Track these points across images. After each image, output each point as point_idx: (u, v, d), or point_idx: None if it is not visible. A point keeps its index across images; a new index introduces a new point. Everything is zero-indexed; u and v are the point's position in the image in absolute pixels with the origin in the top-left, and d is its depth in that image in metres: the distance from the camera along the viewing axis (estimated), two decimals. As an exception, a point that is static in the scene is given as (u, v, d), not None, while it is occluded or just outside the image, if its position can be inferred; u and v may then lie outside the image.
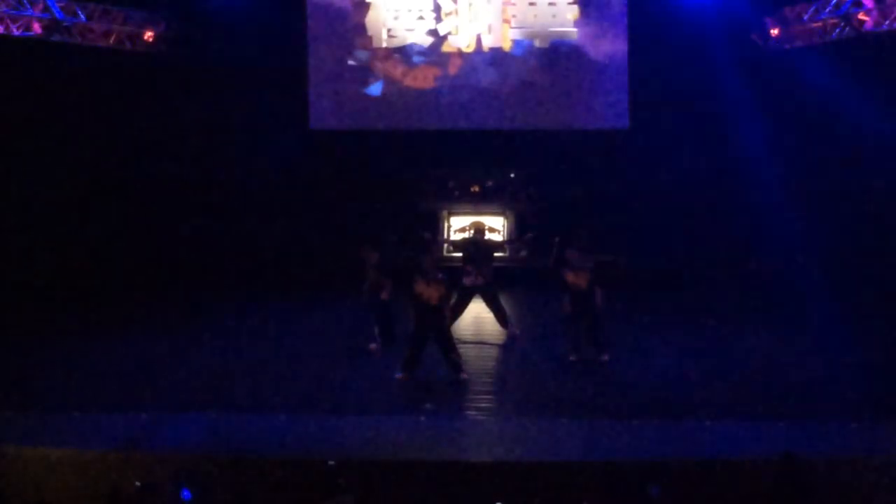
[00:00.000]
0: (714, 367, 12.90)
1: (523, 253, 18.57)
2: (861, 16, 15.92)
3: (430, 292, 12.09)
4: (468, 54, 18.80)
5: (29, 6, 15.88)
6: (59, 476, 9.69)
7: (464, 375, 12.29)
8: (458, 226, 19.07)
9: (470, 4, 18.60)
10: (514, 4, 18.65)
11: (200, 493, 8.88)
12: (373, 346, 13.55)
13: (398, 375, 12.31)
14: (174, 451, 9.95)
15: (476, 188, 19.45)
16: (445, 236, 18.99)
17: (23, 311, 15.61)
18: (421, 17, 18.72)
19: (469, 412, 11.36)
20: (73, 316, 15.77)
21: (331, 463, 9.17)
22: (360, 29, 18.81)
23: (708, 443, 10.23)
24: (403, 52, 18.89)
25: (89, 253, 17.24)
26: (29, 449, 10.00)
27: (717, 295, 17.08)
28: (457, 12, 18.59)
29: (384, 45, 18.88)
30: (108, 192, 18.00)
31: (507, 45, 18.73)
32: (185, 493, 8.65)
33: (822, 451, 9.77)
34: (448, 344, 12.35)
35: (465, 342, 14.03)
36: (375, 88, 18.96)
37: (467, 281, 14.55)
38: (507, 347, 14.23)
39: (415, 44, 18.82)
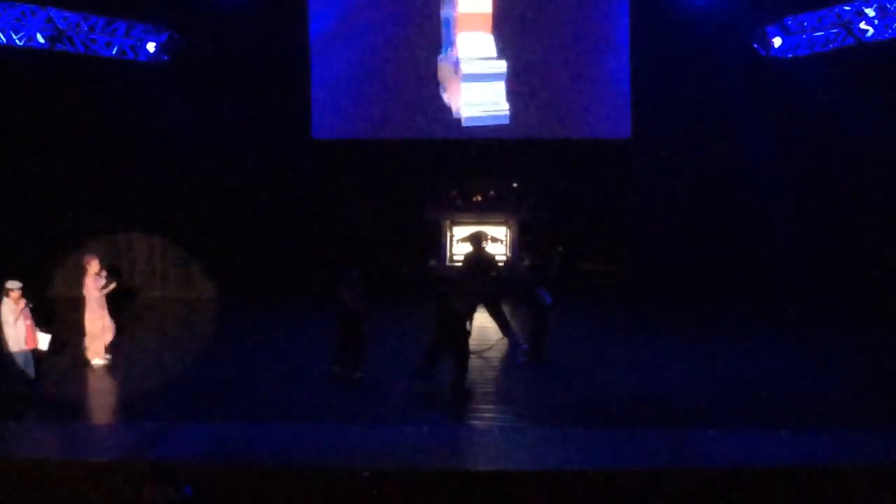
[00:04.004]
0: (718, 377, 12.91)
1: (527, 262, 18.59)
2: (863, 25, 15.93)
3: (458, 303, 12.12)
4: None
5: (32, 17, 15.91)
6: (64, 486, 9.69)
7: (466, 385, 12.29)
8: (460, 235, 19.06)
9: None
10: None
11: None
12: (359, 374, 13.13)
13: (416, 383, 12.29)
14: (186, 460, 9.96)
15: (478, 198, 19.43)
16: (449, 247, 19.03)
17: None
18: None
19: (472, 422, 11.37)
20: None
21: (365, 474, 9.19)
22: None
23: (711, 452, 10.25)
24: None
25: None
26: (35, 459, 10.01)
27: (721, 303, 17.08)
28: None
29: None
30: (110, 201, 18.01)
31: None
32: (187, 490, 8.74)
33: (826, 460, 9.81)
34: (465, 354, 12.32)
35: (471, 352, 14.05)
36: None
37: (471, 290, 14.61)
38: (510, 357, 14.21)
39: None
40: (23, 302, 12.11)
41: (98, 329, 13.71)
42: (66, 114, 17.15)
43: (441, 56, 18.22)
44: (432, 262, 18.06)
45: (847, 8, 16.08)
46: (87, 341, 13.76)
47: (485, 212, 19.27)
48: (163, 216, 18.48)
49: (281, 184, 18.66)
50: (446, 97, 18.24)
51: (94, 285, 13.74)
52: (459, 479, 9.62)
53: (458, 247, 18.93)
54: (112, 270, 15.12)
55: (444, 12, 18.01)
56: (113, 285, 14.07)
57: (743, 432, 10.72)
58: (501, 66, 17.58)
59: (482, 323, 15.39)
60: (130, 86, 17.42)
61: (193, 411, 11.57)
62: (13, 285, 12.10)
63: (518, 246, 18.78)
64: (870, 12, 15.79)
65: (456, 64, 17.65)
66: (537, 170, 19.14)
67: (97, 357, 13.72)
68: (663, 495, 9.25)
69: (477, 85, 17.70)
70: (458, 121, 18.54)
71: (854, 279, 16.67)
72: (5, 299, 12.04)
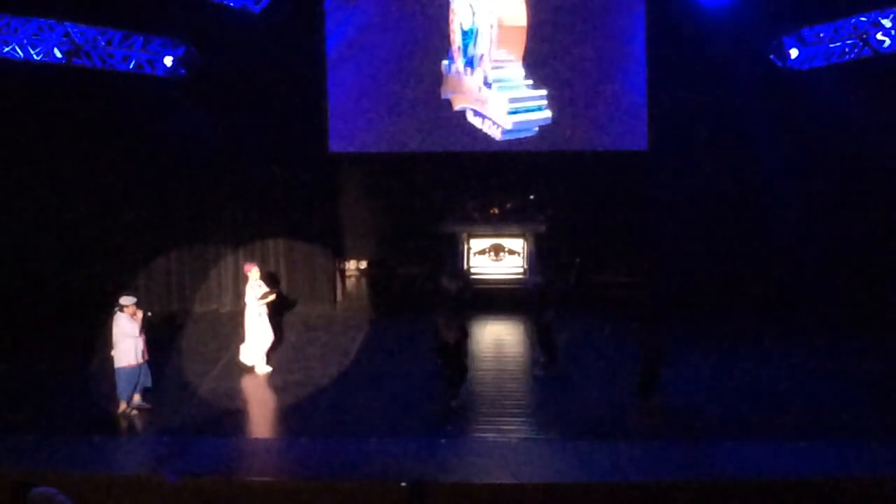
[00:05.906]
0: (735, 388, 12.89)
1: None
2: (880, 36, 15.91)
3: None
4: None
5: (50, 31, 16.01)
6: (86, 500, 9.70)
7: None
8: (477, 248, 19.07)
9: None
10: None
11: None
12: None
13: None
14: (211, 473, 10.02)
15: (495, 210, 19.43)
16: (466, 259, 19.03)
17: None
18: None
19: (490, 434, 11.36)
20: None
21: (403, 484, 9.20)
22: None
23: (729, 464, 10.23)
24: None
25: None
26: (54, 472, 10.01)
27: (738, 315, 17.03)
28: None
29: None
30: (118, 214, 18.08)
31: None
32: (172, 477, 8.78)
33: (843, 472, 9.78)
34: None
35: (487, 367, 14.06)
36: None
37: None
38: (530, 370, 14.21)
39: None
40: (140, 314, 12.18)
41: (257, 338, 13.91)
42: (82, 128, 17.19)
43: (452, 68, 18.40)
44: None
45: (863, 19, 16.09)
46: (243, 348, 13.97)
47: (502, 224, 19.27)
48: (176, 229, 18.54)
49: (298, 197, 18.66)
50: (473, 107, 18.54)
51: (254, 293, 13.96)
52: (480, 492, 9.62)
53: (476, 259, 18.94)
54: (271, 280, 15.20)
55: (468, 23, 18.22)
56: (273, 296, 14.34)
57: (762, 444, 10.69)
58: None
59: (499, 337, 15.41)
60: (147, 100, 17.47)
61: (209, 427, 11.62)
62: (128, 301, 12.19)
63: (535, 258, 18.75)
64: (886, 23, 15.79)
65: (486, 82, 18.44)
66: (554, 182, 19.14)
67: (257, 364, 13.96)
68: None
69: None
70: (475, 133, 18.59)
71: (874, 290, 16.60)
72: (119, 314, 12.09)
